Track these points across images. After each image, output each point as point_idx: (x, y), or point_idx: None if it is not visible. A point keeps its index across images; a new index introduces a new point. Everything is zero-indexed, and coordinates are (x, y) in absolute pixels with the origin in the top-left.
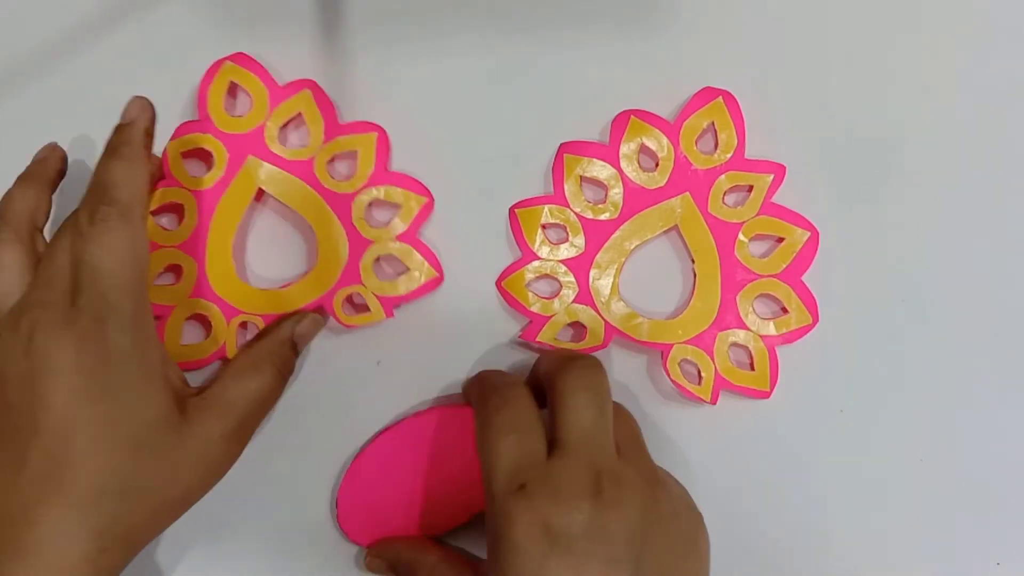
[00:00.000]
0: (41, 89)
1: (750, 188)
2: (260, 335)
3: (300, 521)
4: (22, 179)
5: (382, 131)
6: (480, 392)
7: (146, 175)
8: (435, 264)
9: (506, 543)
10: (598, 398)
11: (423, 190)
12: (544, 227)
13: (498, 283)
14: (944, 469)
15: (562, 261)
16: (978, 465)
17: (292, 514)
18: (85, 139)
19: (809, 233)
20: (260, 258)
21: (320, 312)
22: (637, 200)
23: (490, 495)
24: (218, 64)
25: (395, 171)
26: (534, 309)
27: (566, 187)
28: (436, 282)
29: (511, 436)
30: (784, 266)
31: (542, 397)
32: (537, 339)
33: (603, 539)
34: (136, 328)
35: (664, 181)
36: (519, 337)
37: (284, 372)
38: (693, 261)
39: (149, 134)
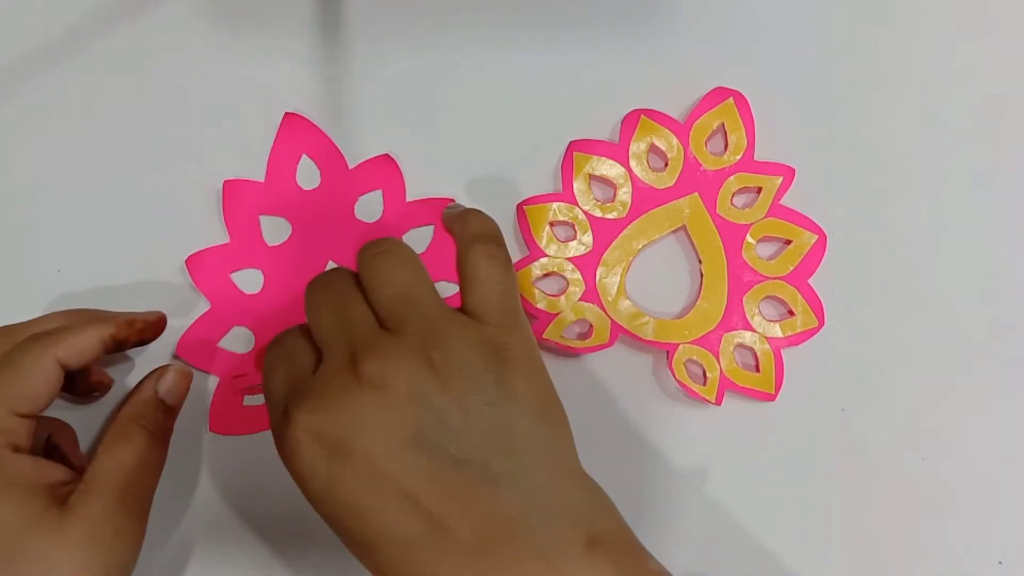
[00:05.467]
0: (41, 89)
1: (759, 190)
2: (125, 398)
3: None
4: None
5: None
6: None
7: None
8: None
9: (291, 472)
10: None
11: None
12: (552, 224)
13: None
14: (945, 469)
15: (569, 259)
16: (978, 464)
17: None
18: (84, 139)
19: (817, 236)
20: None
21: (184, 362)
22: (646, 199)
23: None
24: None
25: None
26: (540, 306)
27: (575, 185)
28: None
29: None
30: (791, 268)
31: None
32: (543, 336)
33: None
34: None
35: (673, 181)
36: None
37: (157, 432)
38: (700, 262)
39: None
